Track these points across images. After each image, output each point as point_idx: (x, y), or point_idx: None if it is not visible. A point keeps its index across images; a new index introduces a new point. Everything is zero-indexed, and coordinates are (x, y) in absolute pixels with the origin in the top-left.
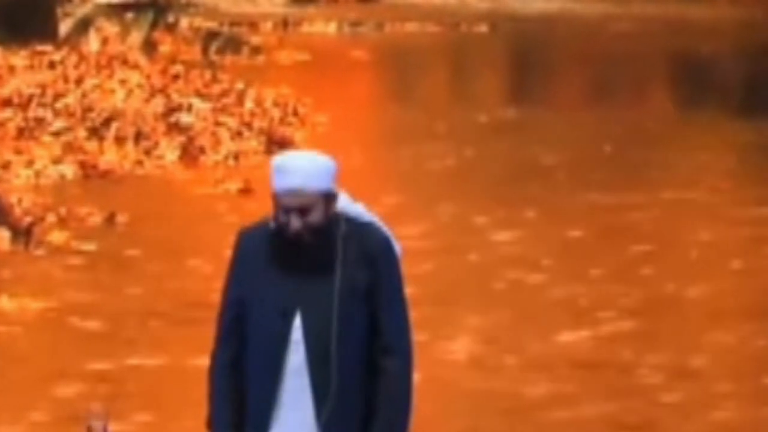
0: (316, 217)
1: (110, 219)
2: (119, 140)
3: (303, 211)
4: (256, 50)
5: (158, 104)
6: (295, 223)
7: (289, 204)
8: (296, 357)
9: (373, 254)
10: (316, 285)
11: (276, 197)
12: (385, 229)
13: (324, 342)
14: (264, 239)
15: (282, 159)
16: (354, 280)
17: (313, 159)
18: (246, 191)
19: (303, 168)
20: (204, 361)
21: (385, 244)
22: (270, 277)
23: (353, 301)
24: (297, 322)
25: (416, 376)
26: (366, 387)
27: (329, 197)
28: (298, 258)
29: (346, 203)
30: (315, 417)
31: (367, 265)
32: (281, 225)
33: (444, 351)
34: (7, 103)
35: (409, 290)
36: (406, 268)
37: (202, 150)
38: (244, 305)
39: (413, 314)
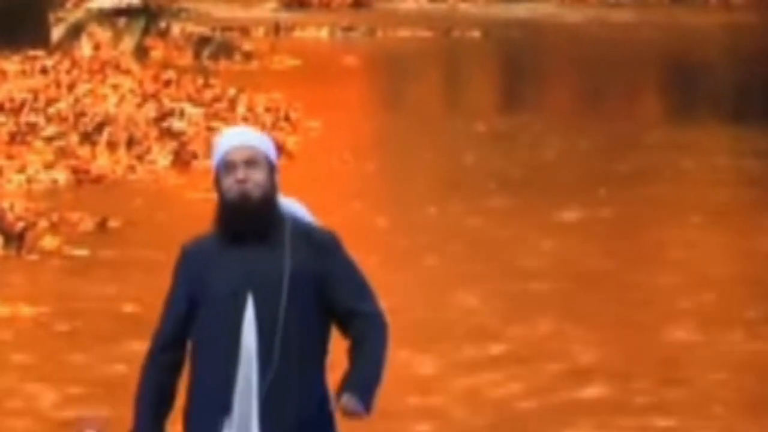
0: (261, 175)
1: (102, 224)
2: (111, 145)
3: (249, 163)
4: (248, 56)
5: (150, 110)
6: (241, 173)
7: (236, 158)
8: (249, 336)
9: (322, 245)
10: (265, 269)
11: (221, 162)
12: (330, 229)
13: (272, 320)
14: (210, 242)
15: (223, 131)
16: (303, 269)
17: (254, 130)
18: None
19: (247, 132)
20: None
21: (334, 236)
22: (221, 264)
23: (302, 286)
24: (249, 302)
25: None
26: (307, 372)
27: (272, 167)
28: (245, 223)
29: (289, 204)
30: (258, 389)
31: (317, 257)
32: (226, 190)
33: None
34: None
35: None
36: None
37: (194, 155)
38: (195, 303)
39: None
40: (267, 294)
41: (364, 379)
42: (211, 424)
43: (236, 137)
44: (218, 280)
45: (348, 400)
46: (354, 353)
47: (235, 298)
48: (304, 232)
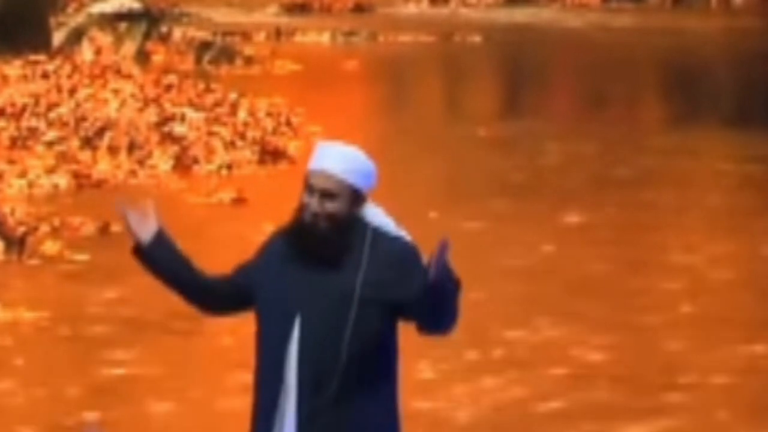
0: (336, 207)
1: (104, 229)
2: (112, 150)
3: (325, 195)
4: (249, 60)
5: (151, 114)
6: (314, 204)
7: (315, 184)
8: (292, 359)
9: (398, 263)
10: (325, 285)
11: (306, 177)
12: (411, 243)
13: (323, 344)
14: (286, 237)
15: (327, 143)
16: (377, 289)
17: (354, 153)
18: (239, 201)
19: (340, 156)
20: (200, 370)
21: (413, 254)
22: (281, 272)
23: (372, 308)
24: (298, 321)
25: None
26: (370, 397)
27: (357, 196)
28: (310, 249)
29: (375, 213)
30: (296, 412)
31: (391, 274)
32: (301, 206)
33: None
34: (0, 113)
35: None
36: None
37: (195, 160)
38: (251, 287)
39: None
40: (326, 317)
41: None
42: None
43: (322, 161)
44: (275, 290)
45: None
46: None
47: (284, 317)
48: (382, 249)
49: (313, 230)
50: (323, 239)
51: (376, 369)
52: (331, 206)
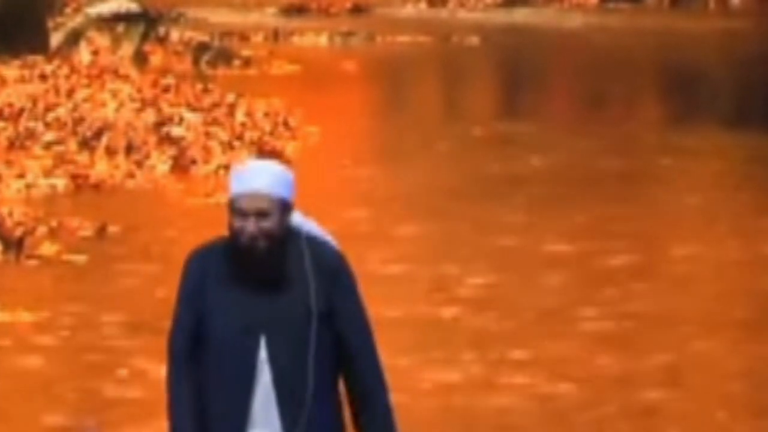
0: (271, 223)
1: (101, 231)
2: (110, 152)
3: (260, 215)
4: (246, 62)
5: (149, 116)
6: (251, 227)
7: (246, 207)
8: (263, 376)
9: (332, 271)
10: (280, 302)
11: (233, 203)
12: (338, 247)
13: (293, 360)
14: (217, 257)
15: (242, 165)
16: (319, 297)
17: (272, 167)
18: None
19: (263, 172)
20: None
21: (343, 261)
22: (229, 296)
23: (321, 319)
24: (263, 341)
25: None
26: (333, 401)
27: (286, 207)
28: (254, 271)
29: (301, 220)
30: None
31: (327, 282)
32: (236, 232)
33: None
34: None
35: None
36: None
37: (193, 162)
38: (201, 325)
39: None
40: (290, 337)
41: None
42: None
43: (249, 182)
44: (226, 313)
45: None
46: (364, 421)
47: (247, 336)
48: (316, 253)
49: (253, 252)
50: (265, 259)
51: (332, 378)
52: (266, 224)
